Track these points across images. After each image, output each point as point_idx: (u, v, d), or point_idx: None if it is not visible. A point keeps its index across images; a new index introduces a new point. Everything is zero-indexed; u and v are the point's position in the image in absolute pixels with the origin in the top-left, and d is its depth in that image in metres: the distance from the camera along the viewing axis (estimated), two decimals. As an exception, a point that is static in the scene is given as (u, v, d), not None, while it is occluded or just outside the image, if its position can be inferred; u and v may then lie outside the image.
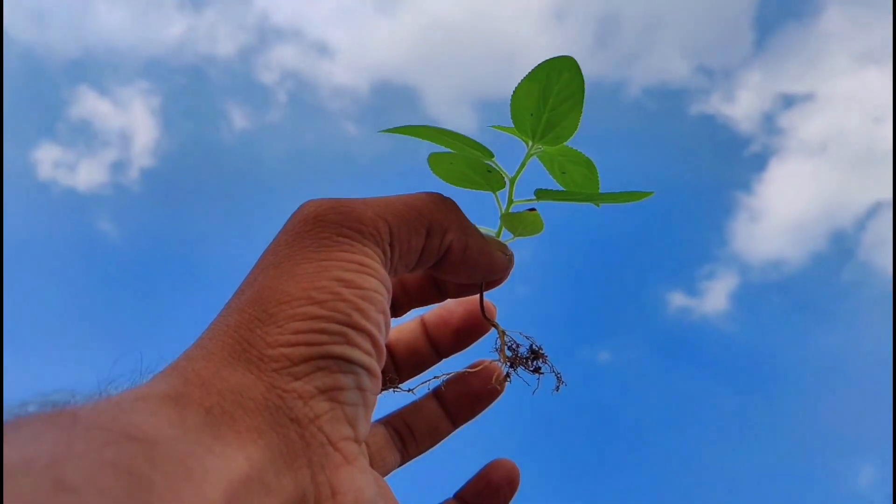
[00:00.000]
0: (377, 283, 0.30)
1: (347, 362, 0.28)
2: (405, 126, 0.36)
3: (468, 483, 0.41)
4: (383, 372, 0.35)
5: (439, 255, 0.34)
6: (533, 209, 0.39)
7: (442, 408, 0.41)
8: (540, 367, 0.40)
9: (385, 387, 0.40)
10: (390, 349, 0.41)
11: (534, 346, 0.40)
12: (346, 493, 0.26)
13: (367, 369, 0.29)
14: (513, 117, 0.38)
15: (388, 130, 0.37)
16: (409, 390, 0.41)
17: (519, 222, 0.39)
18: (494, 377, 0.40)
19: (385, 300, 0.30)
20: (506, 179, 0.39)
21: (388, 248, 0.32)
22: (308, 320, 0.27)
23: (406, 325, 0.42)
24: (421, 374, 0.42)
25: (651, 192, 0.37)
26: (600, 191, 0.39)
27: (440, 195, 0.35)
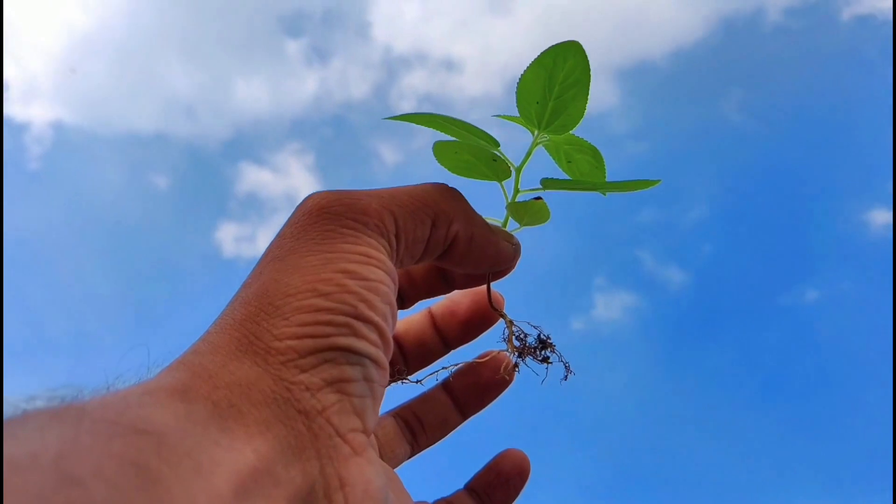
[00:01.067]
0: (383, 275, 0.30)
1: (354, 354, 0.28)
2: (410, 114, 0.36)
3: (478, 474, 0.41)
4: (392, 364, 0.35)
5: (445, 245, 0.34)
6: (539, 198, 0.39)
7: (451, 399, 0.41)
8: (548, 357, 0.40)
9: (393, 378, 0.40)
10: (398, 341, 0.41)
11: (542, 336, 0.40)
12: (355, 485, 0.26)
13: (375, 360, 0.28)
14: (518, 106, 0.38)
15: (394, 118, 0.37)
16: (417, 381, 0.41)
17: (525, 211, 0.39)
18: (503, 367, 0.40)
19: (391, 291, 0.30)
20: (511, 169, 0.39)
21: (393, 239, 0.32)
22: (314, 312, 0.27)
23: (414, 317, 0.42)
24: (429, 366, 0.42)
25: (658, 181, 0.36)
26: (606, 179, 0.39)
27: (445, 185, 0.35)
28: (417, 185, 0.34)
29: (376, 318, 0.29)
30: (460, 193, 0.35)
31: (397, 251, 0.32)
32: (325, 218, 0.30)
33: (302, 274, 0.28)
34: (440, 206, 0.34)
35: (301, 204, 0.32)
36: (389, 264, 0.31)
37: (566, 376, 0.40)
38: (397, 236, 0.32)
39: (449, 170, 0.39)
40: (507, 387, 0.41)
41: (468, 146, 0.38)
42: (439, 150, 0.39)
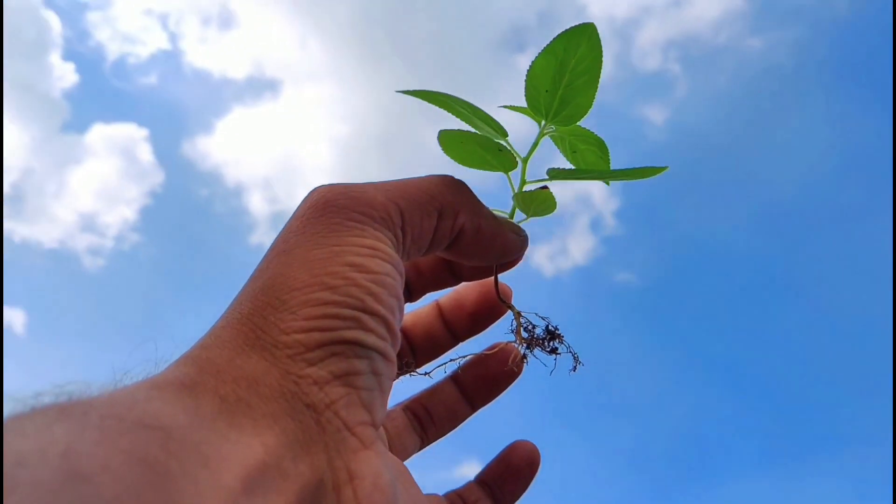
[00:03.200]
0: (390, 268, 0.30)
1: (362, 347, 0.28)
2: (422, 90, 0.36)
3: (488, 466, 0.40)
4: (400, 356, 0.35)
5: (451, 237, 0.34)
6: (545, 187, 0.39)
7: (460, 391, 0.41)
8: (556, 348, 0.39)
9: (402, 371, 0.40)
10: (406, 334, 0.41)
11: (550, 327, 0.40)
12: (364, 478, 0.26)
13: (382, 353, 0.28)
14: (526, 95, 0.37)
15: (406, 91, 0.36)
16: (425, 374, 0.41)
17: (531, 201, 0.39)
18: (511, 359, 0.40)
19: (398, 284, 0.30)
20: (517, 160, 0.39)
21: (399, 231, 0.31)
22: (321, 306, 0.27)
23: (422, 310, 0.42)
24: (438, 358, 0.42)
25: (664, 168, 0.36)
26: (611, 169, 0.39)
27: (451, 177, 0.35)
28: (423, 176, 0.34)
29: (383, 311, 0.29)
30: (466, 185, 0.35)
31: (404, 244, 0.32)
32: (331, 211, 0.30)
33: (308, 268, 0.28)
34: (446, 197, 0.33)
35: (306, 197, 0.32)
36: (396, 257, 0.30)
37: (575, 367, 0.39)
38: (403, 229, 0.32)
39: (455, 160, 0.39)
40: (515, 378, 0.41)
41: (474, 136, 0.38)
42: (445, 139, 0.39)
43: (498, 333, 0.41)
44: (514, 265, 0.39)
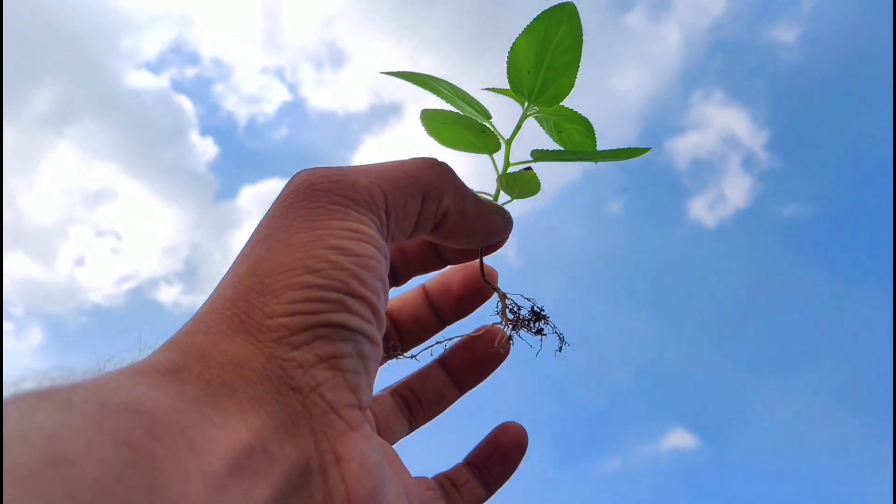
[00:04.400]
0: (374, 251, 0.29)
1: (347, 329, 0.28)
2: (406, 71, 0.36)
3: (477, 447, 0.41)
4: (386, 340, 0.35)
5: (436, 220, 0.34)
6: (529, 168, 0.39)
7: (447, 374, 0.41)
8: (542, 329, 0.40)
9: (389, 355, 0.40)
10: (393, 318, 0.41)
11: (535, 308, 0.40)
12: (351, 460, 0.26)
13: (367, 336, 0.28)
14: (508, 77, 0.37)
15: (389, 73, 0.36)
16: (412, 357, 0.41)
17: (515, 183, 0.39)
18: (497, 340, 0.40)
19: (382, 267, 0.30)
20: (501, 141, 0.39)
21: (383, 214, 0.31)
22: (305, 289, 0.27)
23: (408, 294, 0.42)
24: (425, 342, 0.42)
25: (649, 148, 0.36)
26: (597, 148, 0.39)
27: (435, 160, 0.35)
28: (407, 159, 0.34)
29: (368, 294, 0.29)
30: (450, 167, 0.35)
31: (388, 227, 0.32)
32: (314, 195, 0.30)
33: (292, 251, 0.28)
34: (430, 180, 0.33)
35: (290, 182, 0.31)
36: (380, 240, 0.30)
37: (560, 347, 0.40)
38: (387, 212, 0.32)
39: (438, 141, 0.39)
40: (502, 360, 0.41)
41: (457, 117, 0.38)
42: (428, 119, 0.39)
43: (484, 316, 0.42)
44: (498, 247, 0.39)
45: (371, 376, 0.29)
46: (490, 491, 0.40)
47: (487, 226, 0.37)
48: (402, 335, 0.41)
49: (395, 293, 0.41)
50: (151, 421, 0.21)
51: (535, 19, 0.35)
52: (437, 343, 0.41)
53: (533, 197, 0.40)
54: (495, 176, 0.39)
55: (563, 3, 0.35)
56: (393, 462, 0.35)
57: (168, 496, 0.20)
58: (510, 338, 0.40)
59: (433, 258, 0.40)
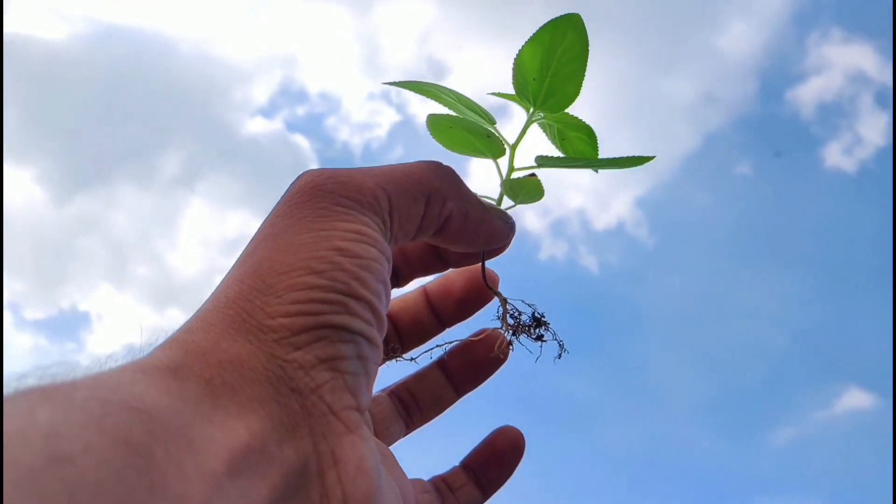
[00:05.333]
0: (376, 253, 0.30)
1: (348, 332, 0.28)
2: (409, 81, 0.36)
3: (473, 451, 0.41)
4: (386, 342, 0.35)
5: (439, 223, 0.34)
6: (533, 175, 0.39)
7: (446, 377, 0.41)
8: (542, 335, 0.40)
9: (388, 356, 0.41)
10: (393, 319, 0.41)
11: (536, 314, 0.40)
12: (349, 462, 0.26)
13: (368, 338, 0.28)
14: (514, 82, 0.37)
15: (392, 83, 0.36)
16: (411, 359, 0.41)
17: (520, 189, 0.39)
18: (497, 345, 0.40)
19: (385, 269, 0.30)
20: (506, 146, 0.39)
21: (387, 216, 0.31)
22: (307, 290, 0.27)
23: (408, 296, 0.42)
24: (424, 344, 0.42)
25: (651, 157, 0.36)
26: (599, 157, 0.39)
27: (439, 163, 0.35)
28: (411, 162, 0.34)
29: (370, 296, 0.29)
30: (454, 171, 0.35)
31: (391, 229, 0.32)
32: (319, 196, 0.30)
33: (295, 252, 0.28)
34: (434, 183, 0.33)
35: (294, 182, 0.31)
36: (383, 242, 0.30)
37: (560, 354, 0.40)
38: (391, 214, 0.32)
39: (443, 145, 0.39)
40: (501, 365, 0.41)
41: (462, 121, 0.38)
42: (433, 123, 0.39)
43: (484, 320, 0.42)
44: (501, 252, 0.39)
45: (371, 378, 0.29)
46: (486, 494, 0.40)
47: (490, 230, 0.37)
48: (401, 336, 0.41)
49: (396, 294, 0.41)
50: (151, 420, 0.21)
51: (540, 28, 0.35)
52: (438, 346, 0.41)
53: (537, 202, 0.40)
54: (499, 181, 0.39)
55: (569, 14, 0.35)
56: (389, 464, 0.36)
57: (168, 496, 0.20)
58: (510, 343, 0.40)
59: (435, 260, 0.40)
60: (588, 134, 0.38)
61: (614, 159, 0.37)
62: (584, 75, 0.36)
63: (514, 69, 0.37)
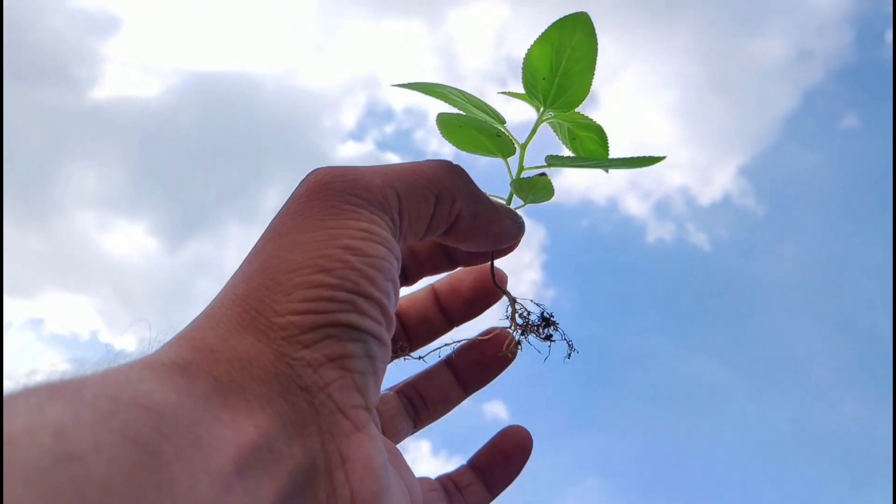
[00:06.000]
0: (385, 251, 0.30)
1: (356, 330, 0.28)
2: (417, 82, 0.36)
3: (480, 450, 0.41)
4: (394, 340, 0.35)
5: (448, 222, 0.34)
6: (543, 174, 0.39)
7: (454, 376, 0.41)
8: (551, 335, 0.40)
9: (396, 355, 0.41)
10: (401, 317, 0.41)
11: (545, 314, 0.40)
12: (356, 461, 0.26)
13: (377, 337, 0.28)
14: (524, 82, 0.37)
15: (401, 85, 0.36)
16: (419, 358, 0.41)
17: (529, 188, 0.39)
18: (506, 344, 0.40)
19: (394, 268, 0.30)
20: (516, 146, 0.39)
21: (396, 215, 0.31)
22: (316, 288, 0.27)
23: (417, 294, 0.42)
24: (432, 343, 0.42)
25: (662, 157, 0.36)
26: (610, 156, 0.39)
27: (449, 162, 0.35)
28: (421, 161, 0.34)
29: (378, 295, 0.29)
30: (464, 170, 0.35)
31: (400, 228, 0.32)
32: (328, 194, 0.30)
33: (304, 250, 0.28)
34: (444, 182, 0.33)
35: (304, 180, 0.31)
36: (392, 241, 0.30)
37: (569, 354, 0.40)
38: (400, 213, 0.32)
39: (453, 143, 0.39)
40: (509, 364, 0.41)
41: (473, 120, 0.38)
42: (444, 122, 0.39)
43: (493, 319, 0.42)
44: (510, 251, 0.39)
45: (379, 377, 0.29)
46: (493, 494, 0.40)
47: (499, 230, 0.37)
48: (409, 335, 0.41)
49: (405, 292, 0.41)
50: (160, 418, 0.21)
51: (549, 27, 0.35)
52: (446, 345, 0.41)
53: (547, 202, 0.40)
54: (509, 180, 0.39)
55: (577, 13, 0.35)
56: (397, 462, 0.36)
57: (176, 494, 0.20)
58: (518, 343, 0.40)
59: (444, 259, 0.40)
60: (598, 133, 0.38)
61: (625, 159, 0.37)
62: (593, 74, 0.36)
63: (523, 68, 0.37)
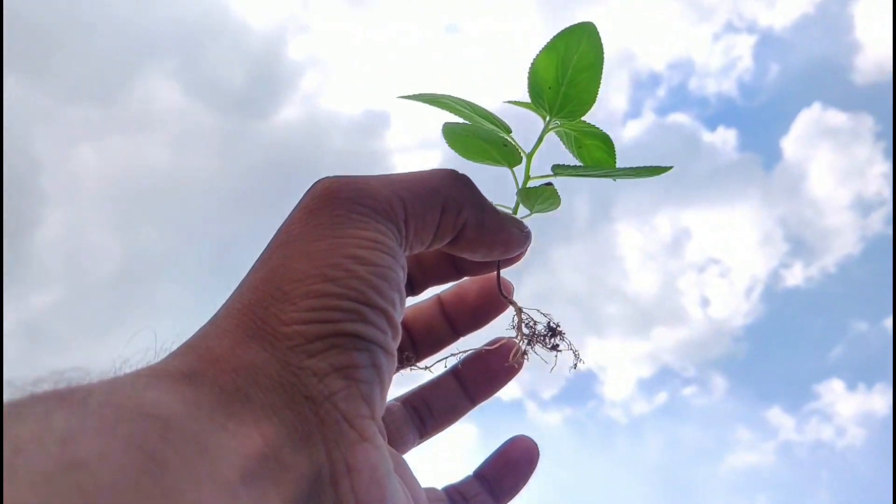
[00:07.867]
0: (392, 261, 0.29)
1: (362, 340, 0.28)
2: (423, 94, 0.36)
3: (487, 461, 0.40)
4: (400, 350, 0.35)
5: (454, 231, 0.34)
6: (550, 184, 0.39)
7: (460, 386, 0.41)
8: (557, 345, 0.39)
9: (402, 365, 0.40)
10: (407, 327, 0.41)
11: (551, 324, 0.40)
12: (362, 470, 0.26)
13: (382, 347, 0.28)
14: (530, 91, 0.37)
15: (407, 97, 0.36)
16: (426, 368, 0.41)
17: (536, 197, 0.39)
18: (512, 354, 0.40)
19: (400, 278, 0.30)
20: (522, 155, 0.39)
21: (402, 224, 0.31)
22: (322, 298, 0.27)
23: (423, 304, 0.42)
24: (438, 353, 0.42)
25: (669, 167, 0.36)
26: (617, 165, 0.39)
27: (455, 171, 0.35)
28: (427, 170, 0.34)
29: (384, 305, 0.29)
30: (470, 180, 0.35)
31: (406, 237, 0.32)
32: (335, 203, 0.30)
33: (310, 259, 0.28)
34: (450, 192, 0.33)
35: (311, 189, 0.32)
36: (398, 250, 0.30)
37: (575, 364, 0.39)
38: (406, 222, 0.32)
39: (459, 153, 0.39)
40: (515, 374, 0.41)
41: (478, 130, 0.38)
42: (449, 132, 0.39)
43: (499, 329, 0.41)
44: (516, 261, 0.39)
45: (384, 387, 0.29)
46: None
47: (506, 239, 0.36)
48: (415, 345, 0.41)
49: (411, 302, 0.41)
50: (166, 426, 0.21)
51: (555, 36, 0.35)
52: (452, 355, 0.41)
53: (553, 211, 0.40)
54: (515, 189, 0.39)
55: (583, 23, 0.35)
56: (403, 472, 0.35)
57: (181, 503, 0.20)
58: (525, 352, 0.40)
59: (450, 269, 0.40)
60: (605, 142, 0.38)
61: (632, 169, 0.37)
62: (599, 83, 0.36)
63: (529, 78, 0.37)
